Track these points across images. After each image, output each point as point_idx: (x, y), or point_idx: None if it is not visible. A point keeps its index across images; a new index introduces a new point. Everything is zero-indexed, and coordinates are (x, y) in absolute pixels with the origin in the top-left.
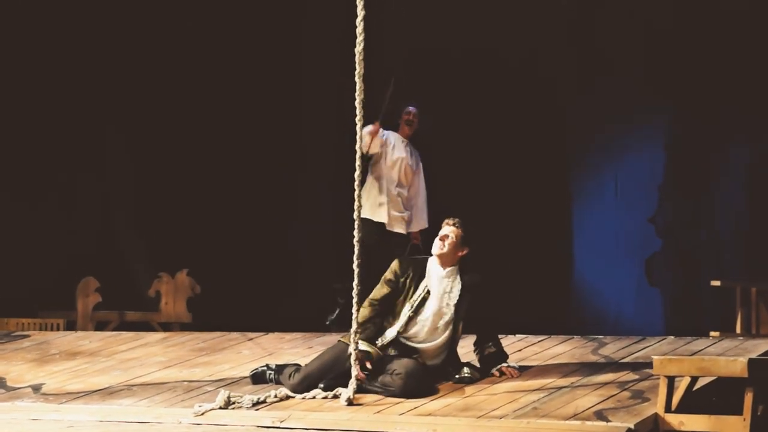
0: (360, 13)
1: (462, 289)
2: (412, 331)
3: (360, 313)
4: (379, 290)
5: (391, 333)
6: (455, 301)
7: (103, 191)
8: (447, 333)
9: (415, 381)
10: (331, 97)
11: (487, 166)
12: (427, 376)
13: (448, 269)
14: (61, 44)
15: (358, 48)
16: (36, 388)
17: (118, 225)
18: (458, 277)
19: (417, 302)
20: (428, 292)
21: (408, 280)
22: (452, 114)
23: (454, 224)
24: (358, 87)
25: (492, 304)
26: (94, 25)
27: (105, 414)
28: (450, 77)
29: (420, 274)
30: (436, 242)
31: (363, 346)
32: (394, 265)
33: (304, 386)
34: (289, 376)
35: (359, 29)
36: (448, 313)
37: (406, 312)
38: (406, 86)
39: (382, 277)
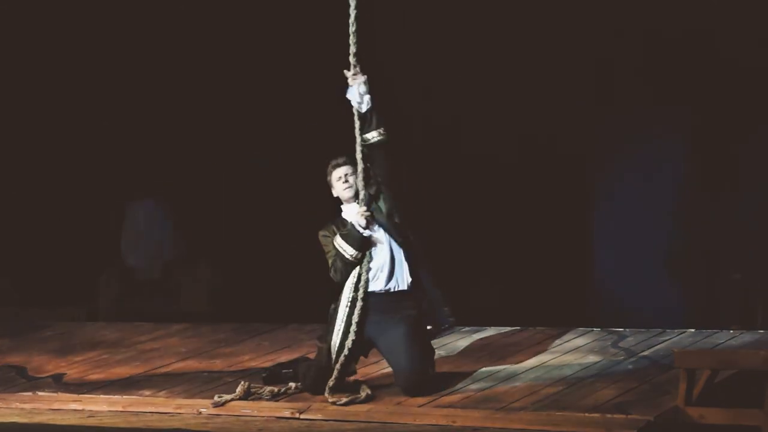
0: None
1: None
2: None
3: (339, 276)
4: (331, 251)
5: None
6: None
7: (125, 181)
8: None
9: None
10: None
11: (509, 160)
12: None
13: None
14: (88, 48)
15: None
16: (57, 378)
17: (138, 215)
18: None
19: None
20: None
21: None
22: (473, 111)
23: (344, 163)
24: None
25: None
26: (128, 27)
27: (125, 404)
28: (474, 77)
29: (342, 224)
30: (342, 186)
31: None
32: (321, 233)
33: (317, 389)
34: (303, 376)
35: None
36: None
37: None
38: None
39: (324, 247)
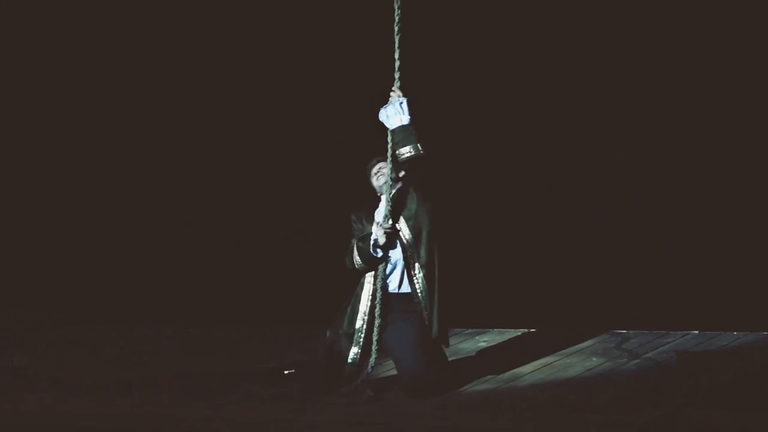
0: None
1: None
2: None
3: (350, 267)
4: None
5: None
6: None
7: (122, 186)
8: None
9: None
10: (344, 94)
11: (510, 161)
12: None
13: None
14: (89, 49)
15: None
16: (52, 381)
17: (134, 218)
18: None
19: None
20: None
21: (365, 221)
22: (473, 116)
23: (380, 160)
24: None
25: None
26: (129, 29)
27: (123, 407)
28: (477, 84)
29: (370, 215)
30: (374, 179)
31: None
32: (353, 216)
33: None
34: (319, 370)
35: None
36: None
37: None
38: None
39: (351, 229)
